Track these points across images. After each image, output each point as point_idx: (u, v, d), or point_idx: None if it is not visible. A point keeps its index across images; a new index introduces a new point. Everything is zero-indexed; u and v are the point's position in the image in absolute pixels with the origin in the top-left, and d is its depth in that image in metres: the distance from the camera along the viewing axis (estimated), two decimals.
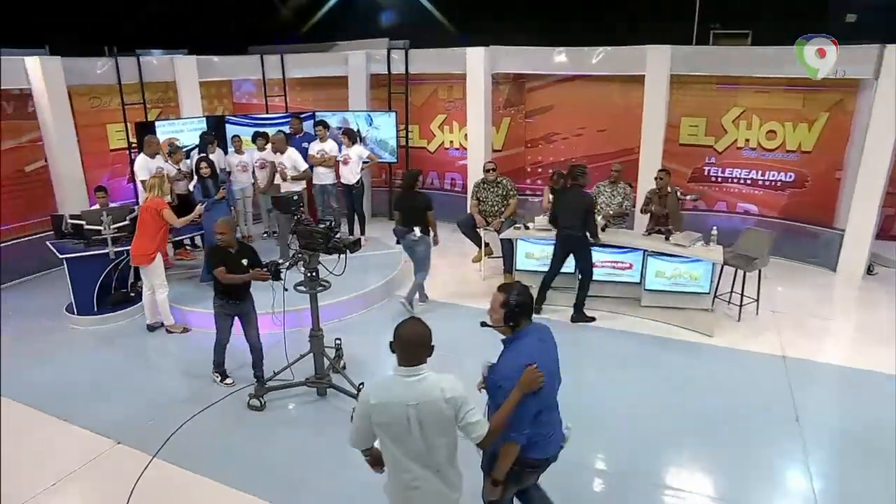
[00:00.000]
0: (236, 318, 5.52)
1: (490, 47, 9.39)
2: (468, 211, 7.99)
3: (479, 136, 9.66)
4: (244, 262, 5.33)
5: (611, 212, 7.59)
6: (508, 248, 7.61)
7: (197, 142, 8.77)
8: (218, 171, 7.86)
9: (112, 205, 7.58)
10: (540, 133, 10.48)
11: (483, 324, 3.21)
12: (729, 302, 7.27)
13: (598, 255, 7.16)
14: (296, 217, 5.04)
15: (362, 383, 5.23)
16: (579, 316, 6.92)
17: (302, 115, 9.51)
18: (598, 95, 9.93)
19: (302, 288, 5.07)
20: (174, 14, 12.46)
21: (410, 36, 11.19)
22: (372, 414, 2.74)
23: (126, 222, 6.94)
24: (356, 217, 8.84)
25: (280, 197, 5.16)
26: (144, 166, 7.89)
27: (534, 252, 7.49)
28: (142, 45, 10.87)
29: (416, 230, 6.92)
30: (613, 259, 7.21)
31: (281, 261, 4.99)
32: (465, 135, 10.61)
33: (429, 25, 11.85)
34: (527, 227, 7.47)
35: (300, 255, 4.97)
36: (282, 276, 5.04)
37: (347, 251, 4.78)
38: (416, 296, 7.20)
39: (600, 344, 6.53)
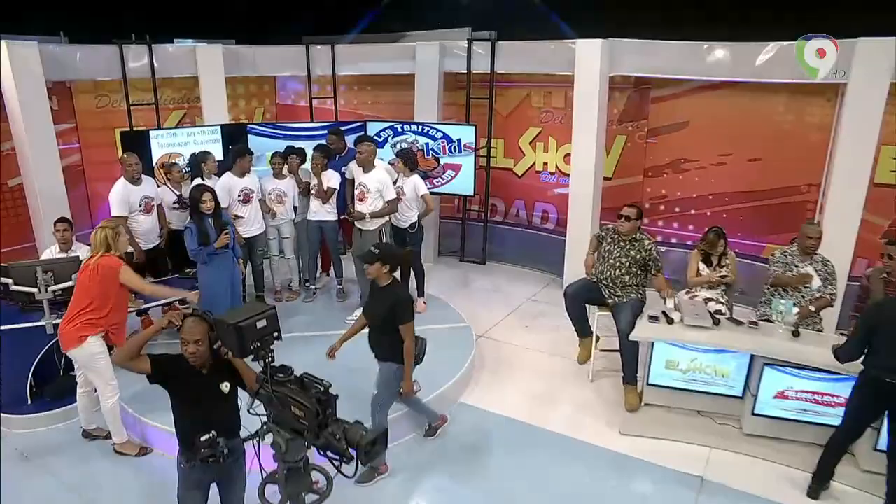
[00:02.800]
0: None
1: (609, 40, 6.54)
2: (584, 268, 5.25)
3: (588, 160, 6.82)
4: (224, 386, 2.86)
5: (811, 307, 4.64)
6: (631, 349, 4.81)
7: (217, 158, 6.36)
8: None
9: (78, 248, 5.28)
10: (666, 158, 7.54)
11: None
12: None
13: (789, 381, 4.28)
14: (262, 354, 2.42)
15: None
16: None
17: (347, 127, 6.96)
18: (755, 110, 6.90)
19: (270, 500, 2.47)
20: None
21: (496, 27, 8.52)
22: None
23: (71, 282, 4.59)
24: (412, 272, 6.18)
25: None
26: (123, 199, 5.54)
27: (678, 360, 4.61)
28: (181, 35, 8.65)
29: None
30: (815, 388, 4.27)
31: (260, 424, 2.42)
32: (566, 155, 7.86)
33: (521, 13, 9.04)
34: (670, 320, 4.63)
35: (274, 435, 2.39)
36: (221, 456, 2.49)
37: (358, 459, 2.15)
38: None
39: None
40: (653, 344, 4.58)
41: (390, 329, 3.86)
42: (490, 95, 7.52)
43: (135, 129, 7.05)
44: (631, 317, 4.82)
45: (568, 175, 7.94)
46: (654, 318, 4.68)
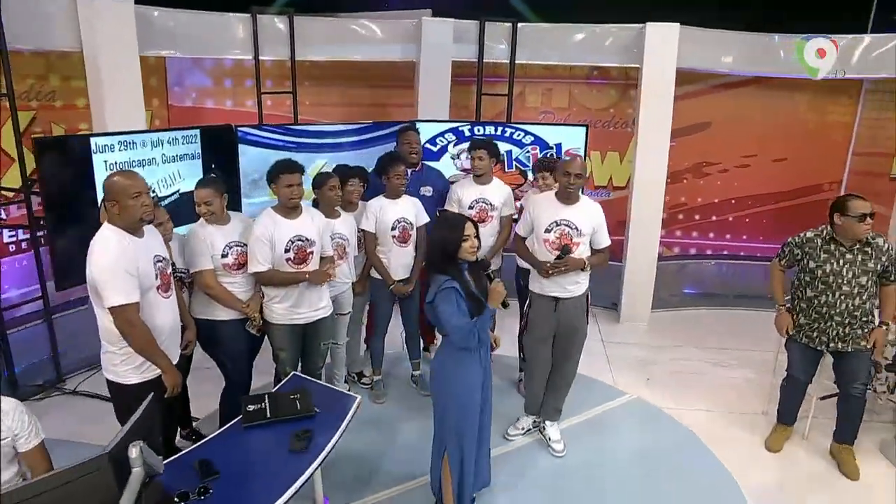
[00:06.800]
0: None
1: (683, 26, 5.29)
2: (776, 310, 3.86)
3: (658, 170, 5.50)
4: None
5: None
6: (861, 409, 3.68)
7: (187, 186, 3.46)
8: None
9: None
10: (685, 162, 6.61)
11: None
12: None
13: None
14: None
15: None
16: None
17: (387, 131, 4.55)
18: (780, 107, 6.36)
19: None
20: None
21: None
22: None
23: None
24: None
25: None
26: (128, 267, 2.46)
27: None
28: None
29: None
30: None
31: None
32: None
33: None
34: None
35: None
36: None
37: None
38: None
39: None
40: None
41: None
42: (509, 92, 5.74)
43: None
44: (868, 370, 3.70)
45: None
46: None
